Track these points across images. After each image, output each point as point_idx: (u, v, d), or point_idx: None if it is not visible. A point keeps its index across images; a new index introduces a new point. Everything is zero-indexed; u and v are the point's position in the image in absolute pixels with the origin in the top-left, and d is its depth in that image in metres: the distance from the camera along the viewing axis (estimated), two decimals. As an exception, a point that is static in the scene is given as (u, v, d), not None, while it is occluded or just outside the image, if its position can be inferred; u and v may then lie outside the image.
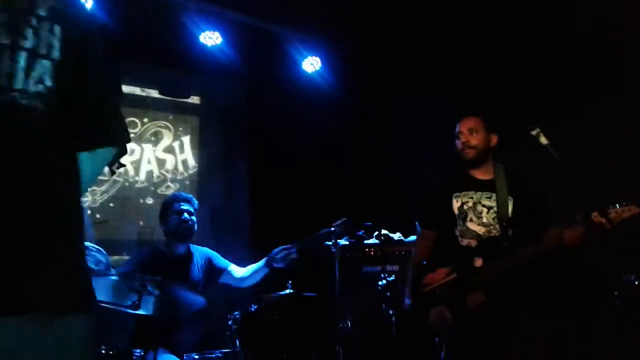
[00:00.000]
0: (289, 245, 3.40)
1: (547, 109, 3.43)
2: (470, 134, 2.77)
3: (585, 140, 3.50)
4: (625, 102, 3.56)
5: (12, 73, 1.20)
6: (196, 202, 3.61)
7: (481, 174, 2.80)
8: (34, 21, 1.23)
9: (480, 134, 2.78)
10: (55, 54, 1.25)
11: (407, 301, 2.83)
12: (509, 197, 2.72)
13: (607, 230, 2.43)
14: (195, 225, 3.51)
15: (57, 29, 1.26)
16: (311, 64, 4.92)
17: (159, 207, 3.67)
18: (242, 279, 3.55)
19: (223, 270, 3.56)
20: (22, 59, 1.21)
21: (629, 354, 3.27)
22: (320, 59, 4.92)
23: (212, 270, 3.53)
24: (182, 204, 3.50)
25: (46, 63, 1.23)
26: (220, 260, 3.60)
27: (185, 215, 3.46)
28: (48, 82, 1.23)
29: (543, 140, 2.61)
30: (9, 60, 1.20)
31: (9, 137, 1.18)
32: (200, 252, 3.59)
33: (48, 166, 1.21)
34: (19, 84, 1.20)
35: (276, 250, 3.43)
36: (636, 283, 3.27)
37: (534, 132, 2.64)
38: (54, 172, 1.22)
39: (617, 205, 2.43)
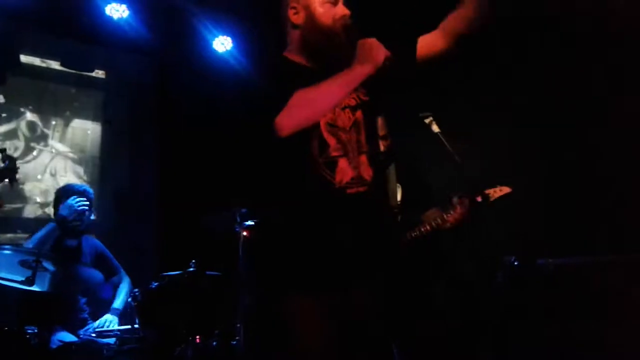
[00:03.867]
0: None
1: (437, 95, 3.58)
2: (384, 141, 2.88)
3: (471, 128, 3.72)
4: (509, 89, 3.77)
5: None
6: (91, 191, 3.53)
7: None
8: None
9: (388, 136, 2.91)
10: None
11: None
12: (397, 184, 2.89)
13: (482, 206, 2.69)
14: (91, 217, 3.46)
15: None
16: (222, 44, 4.89)
17: (58, 183, 3.57)
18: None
19: (114, 274, 3.57)
20: None
21: (513, 331, 3.57)
22: (231, 38, 4.90)
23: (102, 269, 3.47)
24: (75, 197, 3.39)
25: None
26: (113, 263, 3.60)
27: (75, 212, 3.36)
28: None
29: (435, 128, 2.79)
30: None
31: None
32: (92, 246, 3.54)
33: None
34: None
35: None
36: (515, 264, 3.56)
37: (426, 120, 2.81)
38: None
39: (491, 187, 2.71)
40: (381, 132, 2.76)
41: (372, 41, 1.81)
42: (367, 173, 1.88)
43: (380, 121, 2.82)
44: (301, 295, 1.79)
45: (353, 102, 1.92)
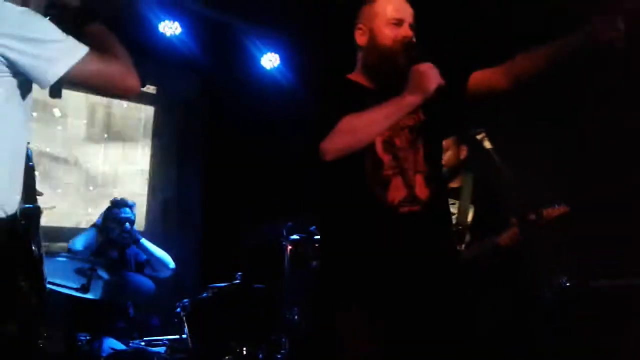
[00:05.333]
0: None
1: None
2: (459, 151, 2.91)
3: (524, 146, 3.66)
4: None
5: None
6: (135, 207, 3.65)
7: (450, 183, 2.93)
8: None
9: (450, 150, 2.90)
10: None
11: None
12: (471, 205, 2.86)
13: (539, 226, 2.62)
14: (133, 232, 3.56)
15: None
16: (269, 60, 4.96)
17: (108, 195, 3.67)
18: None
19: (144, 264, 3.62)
20: None
21: (562, 352, 3.46)
22: (279, 55, 4.97)
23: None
24: (124, 210, 3.52)
25: None
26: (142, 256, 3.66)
27: (127, 225, 3.48)
28: None
29: (487, 144, 2.76)
30: None
31: None
32: (134, 255, 3.62)
33: None
34: None
35: None
36: (567, 285, 3.46)
37: (479, 137, 2.78)
38: None
39: (548, 206, 2.63)
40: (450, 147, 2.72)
41: (426, 68, 1.74)
42: (422, 193, 1.86)
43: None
44: (355, 311, 1.80)
45: (412, 122, 1.91)
